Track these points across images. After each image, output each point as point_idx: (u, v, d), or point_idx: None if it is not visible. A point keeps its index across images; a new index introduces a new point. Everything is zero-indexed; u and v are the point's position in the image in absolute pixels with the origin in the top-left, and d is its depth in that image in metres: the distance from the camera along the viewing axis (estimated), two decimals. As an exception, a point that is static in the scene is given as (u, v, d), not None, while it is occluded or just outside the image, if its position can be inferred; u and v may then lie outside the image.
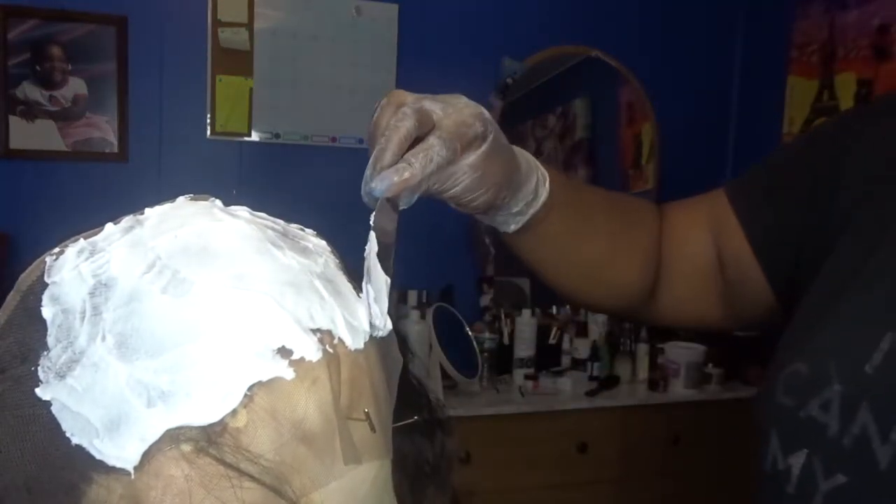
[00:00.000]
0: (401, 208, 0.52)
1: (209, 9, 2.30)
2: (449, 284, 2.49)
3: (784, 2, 2.68)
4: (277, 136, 2.39)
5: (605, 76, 2.74)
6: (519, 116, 2.73)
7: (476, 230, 2.59)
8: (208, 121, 2.33)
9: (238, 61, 2.33)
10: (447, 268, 2.52)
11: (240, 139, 2.36)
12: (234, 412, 0.34)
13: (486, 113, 0.58)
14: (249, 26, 2.33)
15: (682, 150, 2.80)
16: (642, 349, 2.49)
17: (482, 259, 2.61)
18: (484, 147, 0.57)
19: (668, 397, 2.38)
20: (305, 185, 2.36)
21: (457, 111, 0.55)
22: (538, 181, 0.65)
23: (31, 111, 2.17)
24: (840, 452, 0.55)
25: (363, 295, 0.42)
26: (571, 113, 2.85)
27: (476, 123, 0.56)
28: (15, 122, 2.15)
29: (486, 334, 2.37)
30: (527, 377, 2.35)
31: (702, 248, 0.77)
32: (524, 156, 0.64)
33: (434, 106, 0.54)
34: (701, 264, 0.77)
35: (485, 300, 2.57)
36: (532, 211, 0.66)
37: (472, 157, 0.56)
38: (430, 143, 0.53)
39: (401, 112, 0.53)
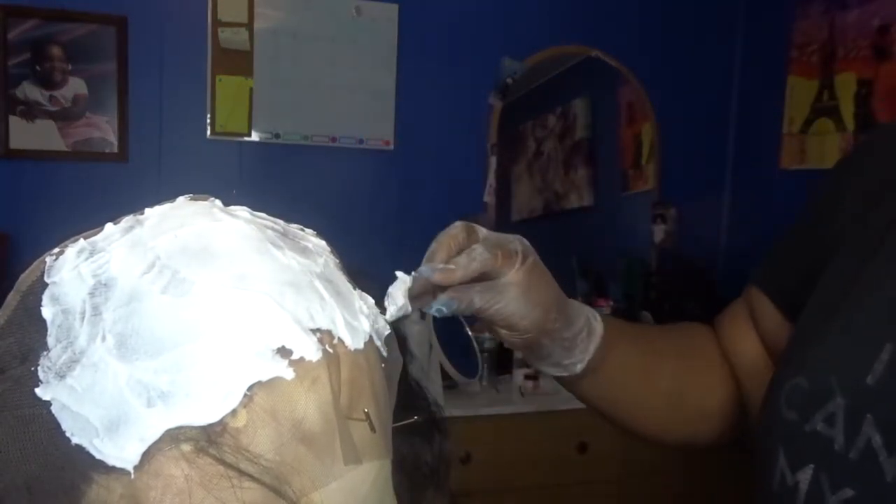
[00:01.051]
0: (439, 312, 0.58)
1: (209, 9, 2.30)
2: (449, 284, 2.49)
3: (784, 2, 2.68)
4: (277, 136, 2.39)
5: (605, 76, 2.74)
6: (519, 116, 2.74)
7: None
8: (208, 121, 2.33)
9: (238, 61, 2.33)
10: (447, 268, 2.52)
11: (240, 139, 2.36)
12: (233, 412, 0.34)
13: (528, 243, 0.63)
14: (249, 26, 2.33)
15: (682, 150, 2.80)
16: (642, 349, 2.49)
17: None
18: (527, 263, 0.61)
19: (668, 397, 2.38)
20: (305, 186, 2.36)
21: (499, 233, 0.61)
22: (588, 316, 0.67)
23: (31, 111, 2.17)
24: (847, 466, 0.55)
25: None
26: (571, 113, 2.85)
27: (516, 242, 0.61)
28: (15, 121, 2.15)
29: (487, 334, 2.37)
30: (527, 377, 2.35)
31: (758, 355, 0.76)
32: (576, 304, 0.67)
33: (479, 227, 0.61)
34: (762, 366, 0.75)
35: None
36: (592, 347, 0.67)
37: (517, 274, 0.60)
38: (473, 248, 0.58)
39: (451, 226, 0.59)
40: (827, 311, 0.61)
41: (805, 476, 0.57)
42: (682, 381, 0.76)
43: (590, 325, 0.67)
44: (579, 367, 0.68)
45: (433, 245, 0.58)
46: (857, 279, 0.59)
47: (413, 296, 0.53)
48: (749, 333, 0.77)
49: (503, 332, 0.63)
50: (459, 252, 0.58)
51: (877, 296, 0.58)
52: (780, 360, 0.65)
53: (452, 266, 0.57)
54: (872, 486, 0.54)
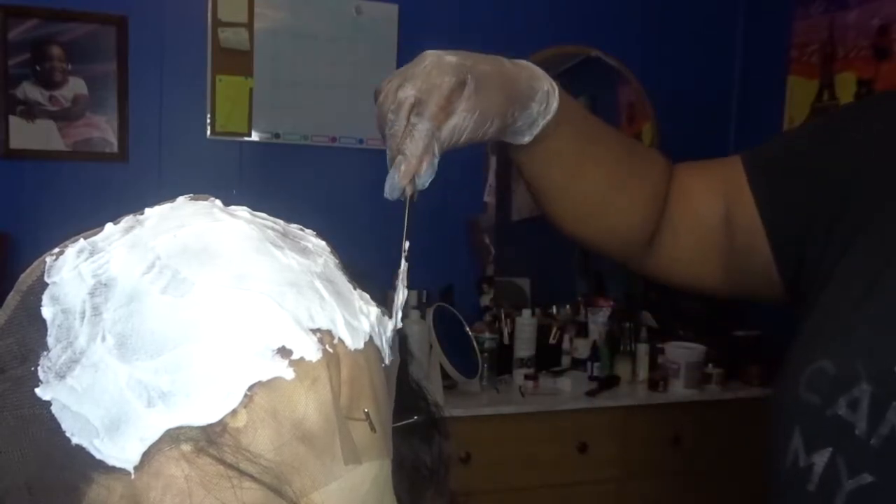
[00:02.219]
0: (424, 181, 0.61)
1: (209, 9, 2.30)
2: (449, 284, 2.49)
3: (784, 1, 2.68)
4: (277, 136, 2.39)
5: (605, 76, 2.74)
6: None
7: (476, 230, 2.59)
8: (208, 121, 2.33)
9: (238, 61, 2.33)
10: (447, 267, 2.52)
11: (240, 139, 2.36)
12: (234, 412, 0.34)
13: (452, 57, 0.62)
14: (249, 26, 2.33)
15: (682, 150, 2.76)
16: (642, 349, 2.49)
17: (482, 259, 2.61)
18: (466, 91, 0.61)
19: (668, 397, 2.38)
20: (305, 185, 2.36)
21: (425, 76, 0.60)
22: (548, 92, 0.68)
23: (31, 111, 2.17)
24: (867, 452, 0.55)
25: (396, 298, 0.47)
26: (571, 113, 2.85)
27: (445, 78, 0.60)
28: (15, 122, 2.15)
29: (487, 334, 2.37)
30: (527, 377, 2.35)
31: (712, 211, 0.76)
32: (528, 69, 0.67)
33: (407, 90, 0.60)
34: (709, 225, 0.76)
35: (485, 300, 2.57)
36: (543, 121, 0.68)
37: (462, 104, 0.61)
38: (412, 125, 0.59)
39: (391, 115, 0.61)
40: (855, 296, 0.61)
41: (822, 459, 0.57)
42: (609, 189, 0.77)
43: (547, 101, 0.68)
44: (527, 140, 0.69)
45: (388, 143, 0.62)
46: (884, 271, 0.59)
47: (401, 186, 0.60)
48: (714, 199, 0.76)
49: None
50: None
51: None
52: (799, 342, 0.65)
53: (403, 166, 0.59)
54: (894, 473, 0.54)
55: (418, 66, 0.62)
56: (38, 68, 2.16)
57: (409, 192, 0.61)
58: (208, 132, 2.34)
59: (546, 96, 0.67)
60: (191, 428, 0.33)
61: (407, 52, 2.47)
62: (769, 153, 0.76)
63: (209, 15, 2.30)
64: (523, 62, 0.68)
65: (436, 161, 0.61)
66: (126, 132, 2.25)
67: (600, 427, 2.28)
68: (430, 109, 0.60)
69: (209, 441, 0.33)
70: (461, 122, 0.62)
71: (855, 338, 0.59)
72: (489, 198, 2.61)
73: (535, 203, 0.79)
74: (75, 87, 2.20)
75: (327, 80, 2.42)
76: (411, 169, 0.59)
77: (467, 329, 2.28)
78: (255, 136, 2.37)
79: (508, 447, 2.18)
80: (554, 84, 0.69)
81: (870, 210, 0.63)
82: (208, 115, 2.33)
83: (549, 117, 0.68)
